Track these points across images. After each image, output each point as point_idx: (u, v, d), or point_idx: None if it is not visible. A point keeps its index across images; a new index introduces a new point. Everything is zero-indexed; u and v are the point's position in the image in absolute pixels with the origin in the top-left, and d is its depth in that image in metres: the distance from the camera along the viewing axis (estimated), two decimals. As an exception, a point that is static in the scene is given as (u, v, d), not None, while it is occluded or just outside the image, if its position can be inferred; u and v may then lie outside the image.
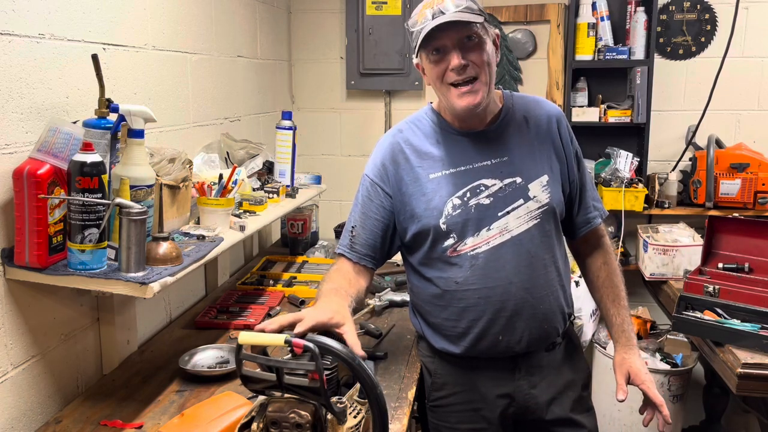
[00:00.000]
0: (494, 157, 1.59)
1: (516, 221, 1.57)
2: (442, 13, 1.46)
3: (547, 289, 1.60)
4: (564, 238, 1.70)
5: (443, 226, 1.56)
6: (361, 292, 1.56)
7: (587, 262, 1.77)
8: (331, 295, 1.43)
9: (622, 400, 1.64)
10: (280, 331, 1.19)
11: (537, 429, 1.68)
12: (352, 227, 1.64)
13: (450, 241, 1.57)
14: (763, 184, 2.94)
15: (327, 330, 1.26)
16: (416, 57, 1.56)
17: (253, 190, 2.31)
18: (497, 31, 1.59)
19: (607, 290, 1.73)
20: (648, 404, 1.66)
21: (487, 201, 1.57)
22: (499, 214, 1.56)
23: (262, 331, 1.19)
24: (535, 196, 1.58)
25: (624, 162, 3.00)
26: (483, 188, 1.57)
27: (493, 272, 1.56)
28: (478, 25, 1.48)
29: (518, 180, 1.58)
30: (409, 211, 1.60)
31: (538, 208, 1.58)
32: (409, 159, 1.62)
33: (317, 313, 1.25)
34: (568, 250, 1.75)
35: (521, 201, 1.57)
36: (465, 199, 1.56)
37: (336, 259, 1.67)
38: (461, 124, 1.61)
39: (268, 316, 2.13)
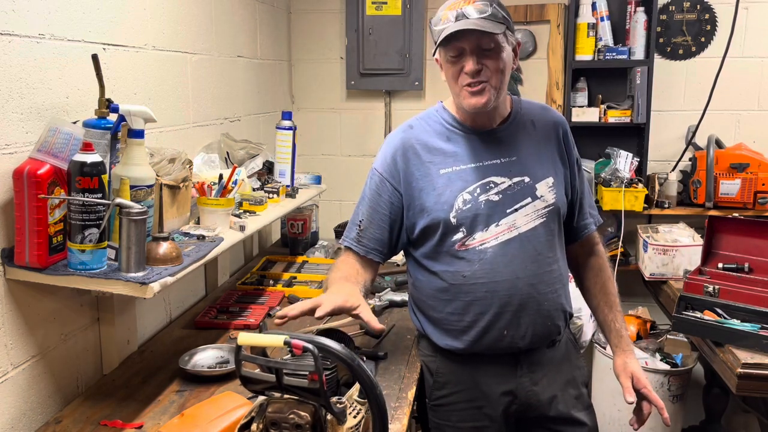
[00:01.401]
0: (503, 156, 1.63)
1: (524, 218, 1.60)
2: (466, 17, 1.50)
3: (551, 286, 1.63)
4: (564, 240, 1.72)
5: (453, 220, 1.59)
6: (366, 284, 1.62)
7: (583, 268, 1.81)
8: (341, 282, 1.53)
9: (632, 403, 1.66)
10: (301, 316, 1.29)
11: (539, 426, 1.70)
12: (360, 221, 1.67)
13: (459, 235, 1.59)
14: (763, 184, 2.93)
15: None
16: (435, 53, 1.59)
17: (253, 190, 2.31)
18: (519, 40, 1.62)
19: (603, 297, 1.77)
20: (641, 408, 1.68)
21: (496, 198, 1.60)
22: (508, 210, 1.60)
23: (285, 316, 1.30)
24: (542, 196, 1.62)
25: (624, 162, 3.00)
26: (492, 185, 1.60)
27: (500, 267, 1.58)
28: (499, 34, 1.51)
29: (526, 179, 1.62)
30: (419, 206, 1.62)
31: (545, 207, 1.62)
32: (420, 155, 1.64)
33: (333, 297, 1.36)
34: None
35: (529, 199, 1.61)
36: (475, 194, 1.60)
37: (342, 252, 1.70)
38: (472, 123, 1.65)
39: (268, 316, 2.13)
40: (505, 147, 1.64)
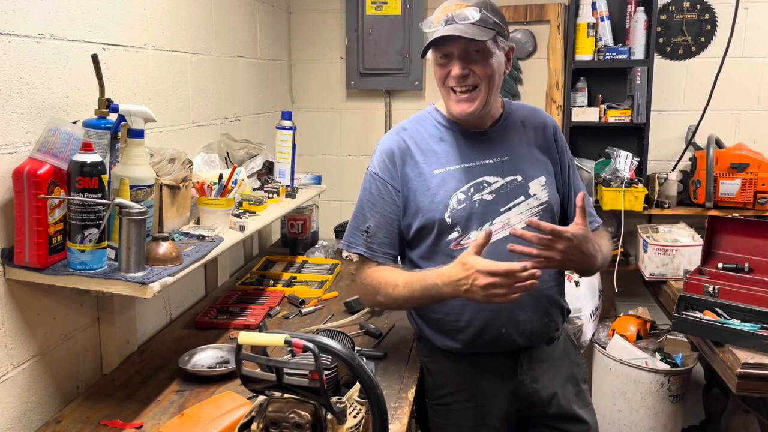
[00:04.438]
0: (495, 156, 1.64)
1: (517, 217, 1.61)
2: (455, 21, 1.50)
3: (548, 283, 1.64)
4: None
5: (448, 220, 1.59)
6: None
7: None
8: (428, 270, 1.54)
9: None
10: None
11: (539, 424, 1.70)
12: (367, 227, 1.65)
13: (454, 235, 1.60)
14: (763, 184, 2.93)
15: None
16: (427, 54, 1.60)
17: (253, 190, 2.31)
18: (513, 44, 1.63)
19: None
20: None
21: (489, 197, 1.61)
22: (501, 209, 1.61)
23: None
24: (535, 194, 1.63)
25: (624, 162, 3.00)
26: (486, 185, 1.61)
27: None
28: (486, 41, 1.52)
29: (519, 178, 1.63)
30: (414, 206, 1.63)
31: (538, 205, 1.63)
32: (414, 155, 1.65)
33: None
34: None
35: (522, 198, 1.62)
36: (469, 194, 1.60)
37: (358, 264, 1.68)
38: (464, 124, 1.66)
39: (268, 316, 2.13)
40: (497, 147, 1.66)
